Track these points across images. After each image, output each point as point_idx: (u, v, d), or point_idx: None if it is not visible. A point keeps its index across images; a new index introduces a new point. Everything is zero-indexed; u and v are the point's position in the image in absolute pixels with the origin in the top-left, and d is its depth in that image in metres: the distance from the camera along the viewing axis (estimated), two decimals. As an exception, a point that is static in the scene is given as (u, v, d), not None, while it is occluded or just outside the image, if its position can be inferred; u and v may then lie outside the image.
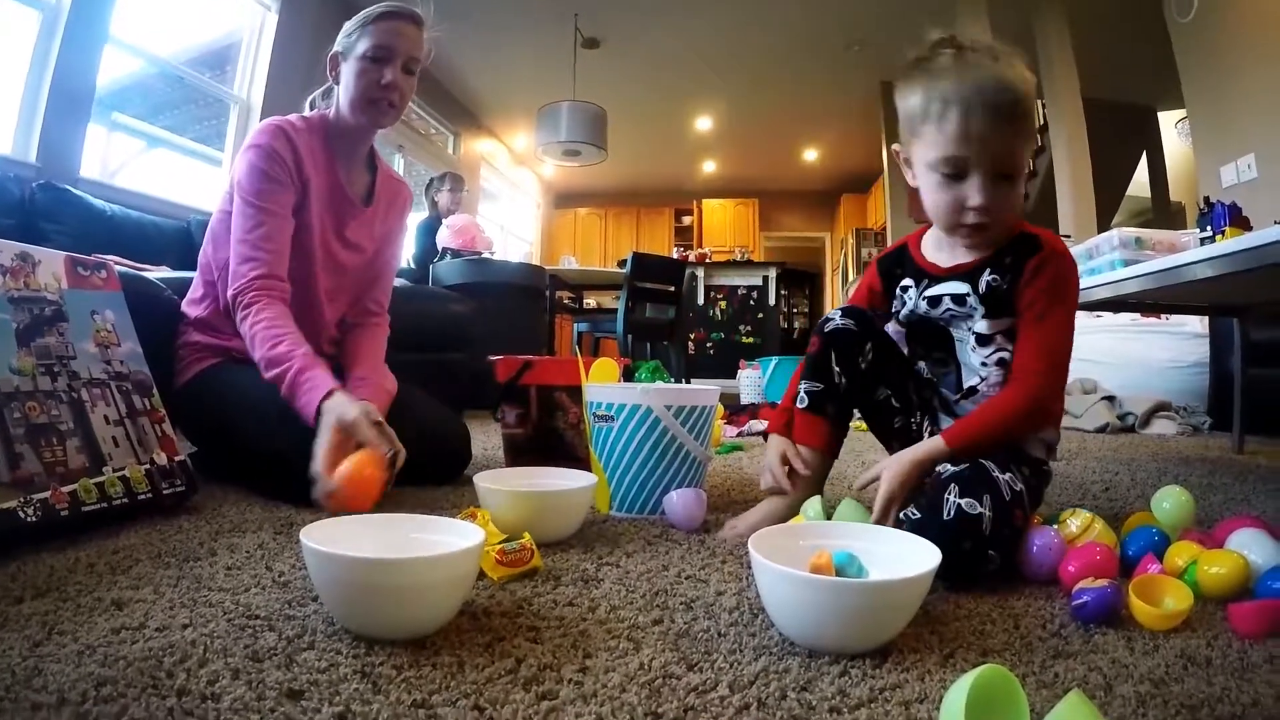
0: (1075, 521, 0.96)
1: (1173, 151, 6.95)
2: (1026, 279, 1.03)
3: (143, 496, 1.09)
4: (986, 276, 1.05)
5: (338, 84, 1.44)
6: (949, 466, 0.99)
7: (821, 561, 0.71)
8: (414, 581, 0.66)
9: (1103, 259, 1.86)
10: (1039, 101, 1.04)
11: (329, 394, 1.18)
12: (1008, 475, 0.94)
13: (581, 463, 1.38)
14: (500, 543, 0.91)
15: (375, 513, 1.16)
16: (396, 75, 1.41)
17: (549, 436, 1.61)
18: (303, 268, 1.44)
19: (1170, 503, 1.07)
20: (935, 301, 1.11)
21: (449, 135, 7.06)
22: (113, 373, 1.14)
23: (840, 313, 1.17)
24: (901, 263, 1.20)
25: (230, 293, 1.33)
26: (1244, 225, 1.53)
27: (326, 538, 0.72)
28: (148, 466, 1.11)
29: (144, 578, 0.82)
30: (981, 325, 1.07)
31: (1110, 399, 3.16)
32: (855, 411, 1.23)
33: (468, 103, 7.15)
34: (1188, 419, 3.09)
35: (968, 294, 1.07)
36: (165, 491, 1.13)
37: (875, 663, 0.65)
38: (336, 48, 1.44)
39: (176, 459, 1.17)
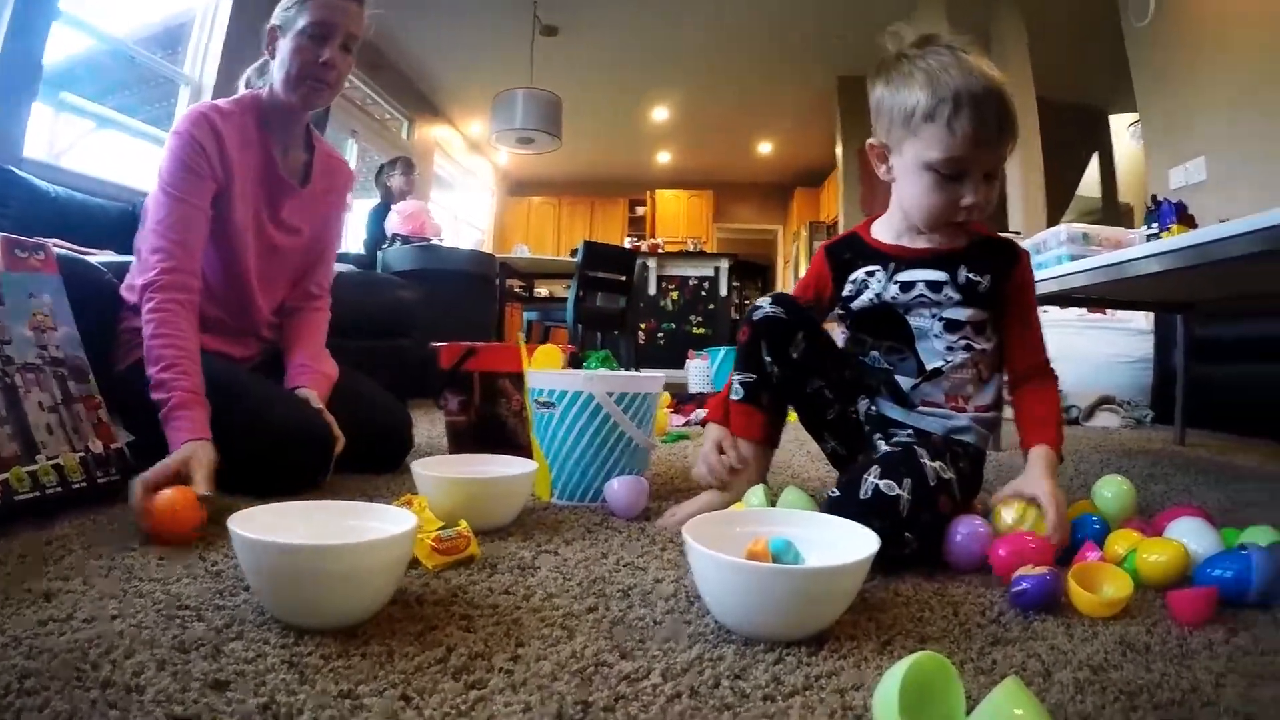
0: (1009, 512, 0.96)
1: (1123, 154, 7.12)
2: (1015, 283, 1.11)
3: (77, 485, 1.05)
4: (965, 272, 1.09)
5: (274, 59, 1.39)
6: (883, 445, 1.06)
7: (757, 548, 0.69)
8: (342, 568, 0.64)
9: (1050, 253, 1.89)
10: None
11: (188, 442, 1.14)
12: (937, 463, 0.96)
13: (524, 450, 1.35)
14: (436, 530, 0.89)
15: (312, 498, 1.14)
16: (334, 53, 1.36)
17: (491, 423, 1.58)
18: (231, 256, 1.39)
19: (1111, 492, 1.08)
20: (908, 286, 1.12)
21: (403, 120, 6.90)
22: (48, 358, 1.09)
23: (770, 300, 1.15)
24: (855, 249, 1.19)
25: (140, 282, 1.29)
26: (1189, 223, 1.56)
27: (256, 525, 0.70)
28: (83, 455, 1.08)
29: (75, 568, 0.80)
30: (956, 313, 1.10)
31: (1056, 393, 3.21)
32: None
33: (423, 88, 7.00)
34: (1131, 412, 3.16)
35: (945, 282, 1.10)
36: (100, 480, 1.09)
37: (811, 650, 0.63)
38: (275, 21, 1.37)
39: (113, 447, 1.14)
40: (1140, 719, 0.55)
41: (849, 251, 1.20)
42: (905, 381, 1.13)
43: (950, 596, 0.80)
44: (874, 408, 1.16)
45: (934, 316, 1.11)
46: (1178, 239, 1.38)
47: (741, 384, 1.16)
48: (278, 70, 1.38)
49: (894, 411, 1.13)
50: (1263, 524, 0.96)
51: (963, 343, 1.10)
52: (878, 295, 1.14)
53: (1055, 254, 1.82)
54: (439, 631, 0.65)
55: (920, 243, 1.13)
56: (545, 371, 1.33)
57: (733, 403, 1.19)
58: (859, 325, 1.18)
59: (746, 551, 0.69)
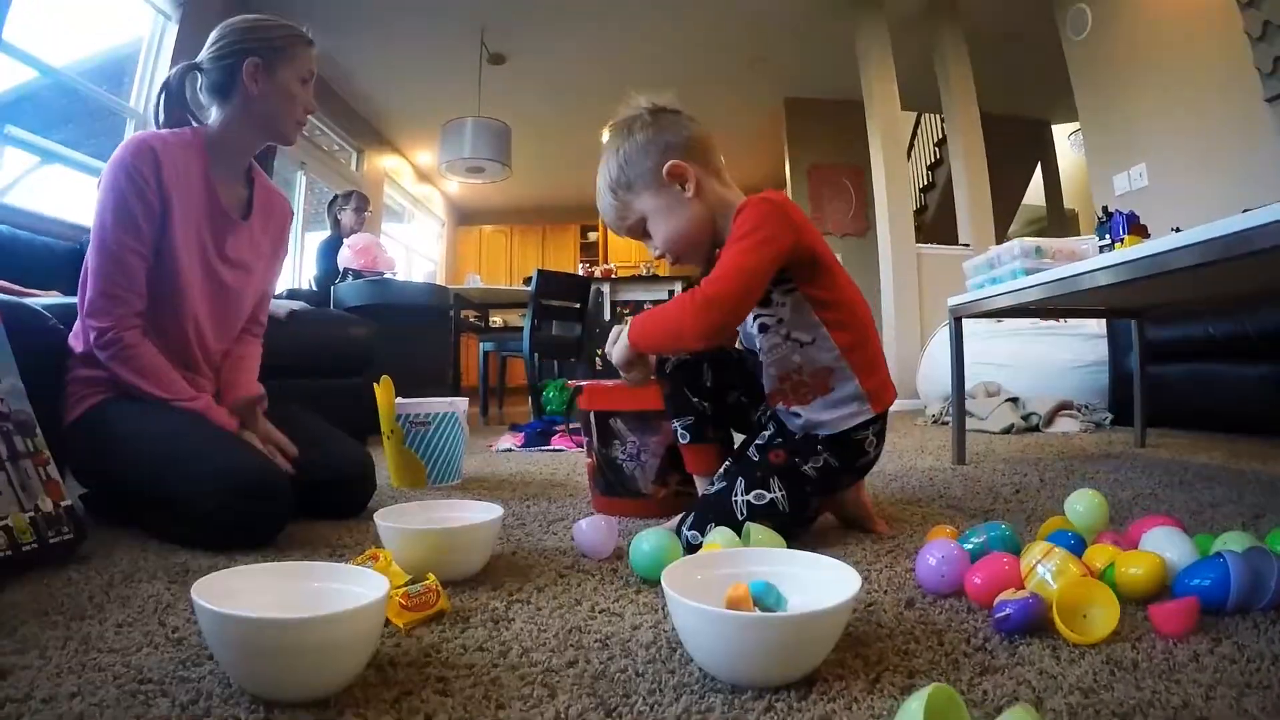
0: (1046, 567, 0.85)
1: (1066, 162, 7.36)
2: (732, 231, 1.09)
3: (28, 548, 1.00)
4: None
5: (253, 94, 1.35)
6: (711, 486, 1.15)
7: (738, 594, 0.67)
8: (318, 641, 0.61)
9: (1004, 268, 1.92)
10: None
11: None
12: (752, 493, 1.08)
13: (647, 499, 1.45)
14: (404, 585, 0.85)
15: (272, 554, 1.13)
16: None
17: (609, 467, 1.49)
18: (178, 295, 1.35)
19: (1083, 505, 1.08)
20: None
21: (352, 152, 6.84)
22: None
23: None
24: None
25: (90, 342, 1.28)
26: (1142, 233, 1.59)
27: (221, 591, 0.67)
28: (32, 514, 1.03)
29: (29, 640, 0.76)
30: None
31: (1014, 400, 3.27)
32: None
33: (371, 118, 6.96)
34: (1089, 416, 3.22)
35: None
36: (52, 541, 1.04)
37: (800, 694, 0.61)
38: (257, 58, 1.34)
39: (63, 504, 1.09)
40: None
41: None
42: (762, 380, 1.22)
43: (932, 624, 0.79)
44: (766, 410, 1.24)
45: (748, 331, 1.20)
46: (1131, 250, 1.41)
47: (685, 428, 1.25)
48: (260, 107, 1.36)
49: (785, 418, 1.20)
50: (1234, 527, 0.97)
51: (756, 324, 1.17)
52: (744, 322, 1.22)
53: (1010, 268, 1.85)
54: (415, 697, 0.62)
55: None
56: (418, 400, 1.83)
57: (683, 446, 1.27)
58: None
59: (727, 598, 0.67)
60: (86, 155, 3.88)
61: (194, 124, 1.42)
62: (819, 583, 0.72)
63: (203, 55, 1.37)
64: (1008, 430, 3.07)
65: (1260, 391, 2.49)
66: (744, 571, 0.75)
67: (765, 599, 0.69)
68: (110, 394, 1.32)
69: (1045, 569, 0.82)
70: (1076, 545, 0.98)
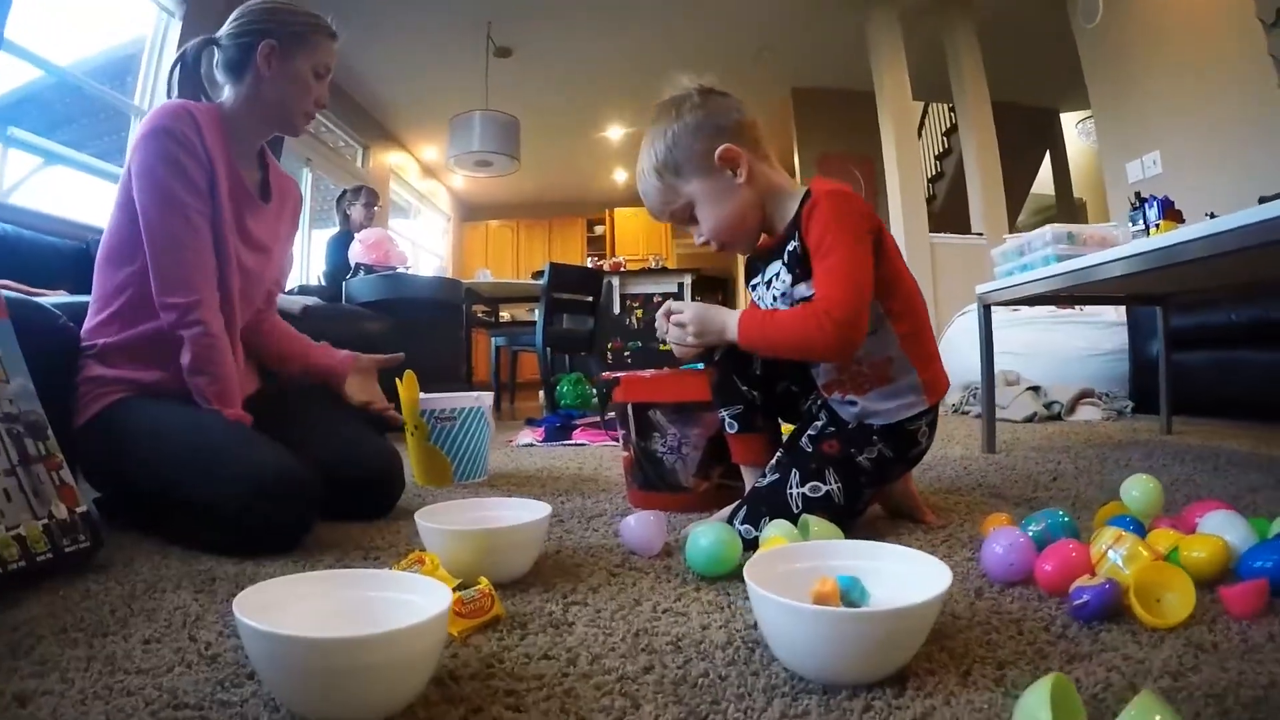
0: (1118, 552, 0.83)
1: (1074, 150, 7.32)
2: (805, 229, 1.06)
3: (42, 558, 0.94)
4: (789, 246, 1.10)
5: (264, 76, 1.32)
6: (765, 477, 1.12)
7: (827, 589, 0.66)
8: (382, 660, 0.56)
9: (1036, 255, 1.90)
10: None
11: None
12: (808, 485, 1.07)
13: (685, 491, 1.42)
14: (455, 591, 0.80)
15: (305, 559, 1.08)
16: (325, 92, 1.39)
17: (648, 460, 1.45)
18: (222, 268, 1.32)
19: (1139, 490, 1.07)
20: (770, 283, 1.16)
21: (358, 148, 6.81)
22: (1, 414, 0.99)
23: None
24: (752, 263, 1.25)
25: (176, 303, 1.24)
26: (1176, 218, 1.58)
27: (263, 603, 0.62)
28: (46, 522, 0.96)
29: (49, 661, 0.70)
30: (801, 290, 1.10)
31: (1035, 389, 3.25)
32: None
33: (377, 114, 6.95)
34: (1111, 404, 3.20)
35: (780, 268, 1.13)
36: (68, 550, 0.98)
37: (895, 692, 0.60)
38: (275, 40, 1.31)
39: (78, 510, 1.02)
40: (1239, 719, 0.54)
41: (750, 265, 1.26)
42: (814, 373, 1.20)
43: (1008, 614, 0.78)
44: (818, 400, 1.23)
45: (791, 304, 1.12)
46: (1174, 234, 1.39)
47: (733, 417, 1.22)
48: (267, 90, 1.33)
49: (838, 409, 1.18)
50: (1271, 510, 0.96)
51: None
52: (764, 303, 1.19)
53: (1042, 254, 1.84)
54: (485, 715, 0.58)
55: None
56: (443, 395, 1.82)
57: (730, 436, 1.24)
58: None
59: (814, 593, 0.66)
60: (90, 156, 3.87)
61: (205, 100, 1.39)
62: (903, 575, 0.71)
63: (222, 31, 1.35)
64: (1030, 419, 3.06)
65: (1286, 376, 2.48)
66: (825, 565, 0.74)
67: (850, 594, 0.68)
68: (127, 393, 1.27)
69: (1116, 554, 0.81)
70: (1136, 530, 0.97)
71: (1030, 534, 0.96)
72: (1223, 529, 0.91)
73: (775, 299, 1.15)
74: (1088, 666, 0.64)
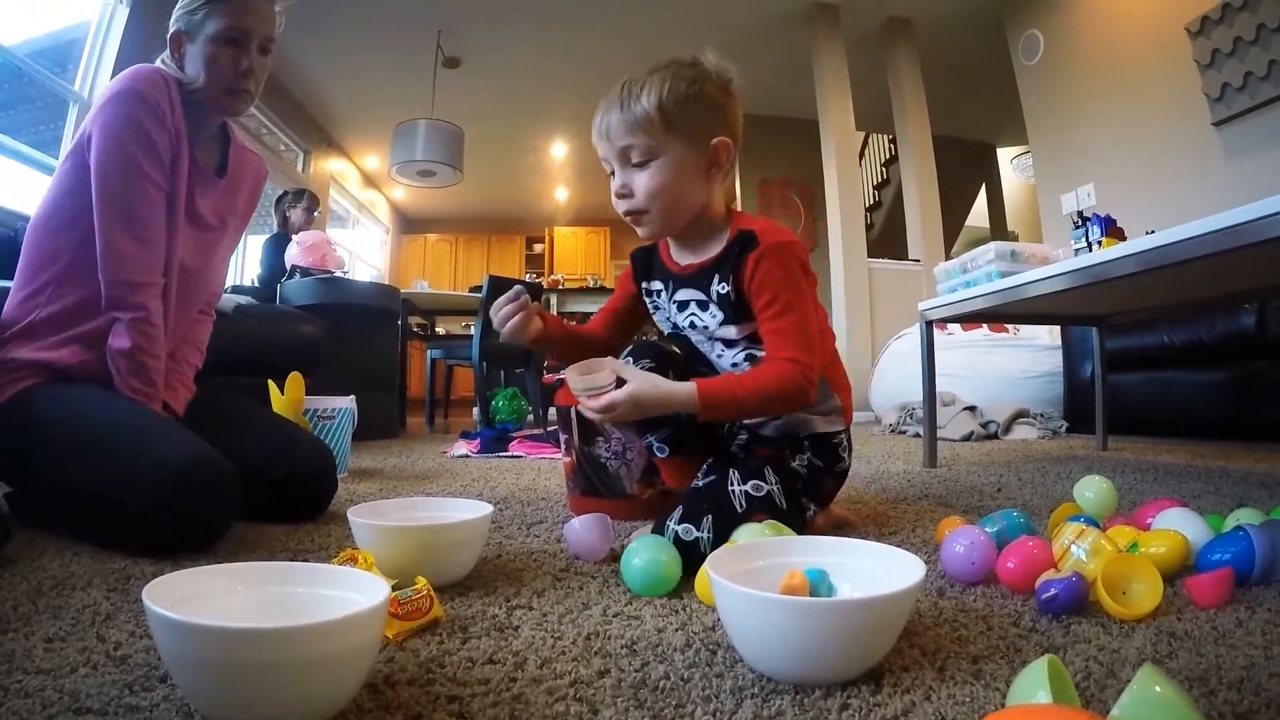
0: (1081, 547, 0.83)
1: (1009, 185, 7.62)
2: (748, 276, 1.02)
3: None
4: (717, 284, 1.06)
5: (182, 67, 1.26)
6: (699, 480, 1.05)
7: (795, 582, 0.62)
8: (312, 656, 0.49)
9: (979, 272, 1.93)
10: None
11: None
12: (749, 483, 1.01)
13: (630, 500, 1.38)
14: (392, 591, 0.74)
15: (225, 558, 1.00)
16: (253, 59, 1.26)
17: (591, 466, 1.40)
18: (169, 250, 1.24)
19: (1093, 491, 1.08)
20: (683, 306, 1.12)
21: (299, 153, 6.62)
22: None
23: (630, 359, 1.11)
24: (649, 263, 1.19)
25: (123, 280, 1.16)
26: (1119, 235, 1.62)
27: (178, 596, 0.55)
28: None
29: None
30: (726, 332, 1.08)
31: (972, 408, 3.31)
32: None
33: (321, 120, 6.79)
34: (1046, 424, 3.28)
35: (706, 301, 1.08)
36: None
37: (871, 689, 0.56)
38: (178, 25, 1.25)
39: None
40: (1226, 699, 0.54)
41: (643, 261, 1.21)
42: None
43: (974, 610, 0.76)
44: (740, 432, 1.18)
45: (710, 339, 1.11)
46: (1106, 251, 1.42)
47: (660, 441, 1.14)
48: (191, 73, 1.26)
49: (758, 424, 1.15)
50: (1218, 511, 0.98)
51: (744, 354, 1.10)
52: (670, 321, 1.15)
53: (985, 271, 1.86)
54: None
55: (686, 257, 1.12)
56: (324, 396, 1.91)
57: (659, 460, 1.19)
58: (675, 341, 1.20)
59: (783, 586, 0.62)
60: (25, 144, 3.65)
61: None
62: (869, 570, 0.68)
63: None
64: (967, 437, 3.11)
65: (1217, 395, 2.57)
66: (791, 561, 0.70)
67: (819, 588, 0.64)
68: (40, 378, 1.19)
69: (1080, 549, 0.81)
70: (1094, 529, 0.97)
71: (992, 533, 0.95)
72: (1179, 525, 0.92)
73: (690, 327, 1.13)
74: (1065, 657, 0.63)
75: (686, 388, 0.96)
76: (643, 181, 1.02)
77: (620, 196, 1.05)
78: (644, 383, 0.96)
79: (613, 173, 1.06)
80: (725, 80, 1.06)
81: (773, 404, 1.01)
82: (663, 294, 1.15)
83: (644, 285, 1.20)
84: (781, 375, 0.98)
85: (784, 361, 0.99)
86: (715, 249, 1.07)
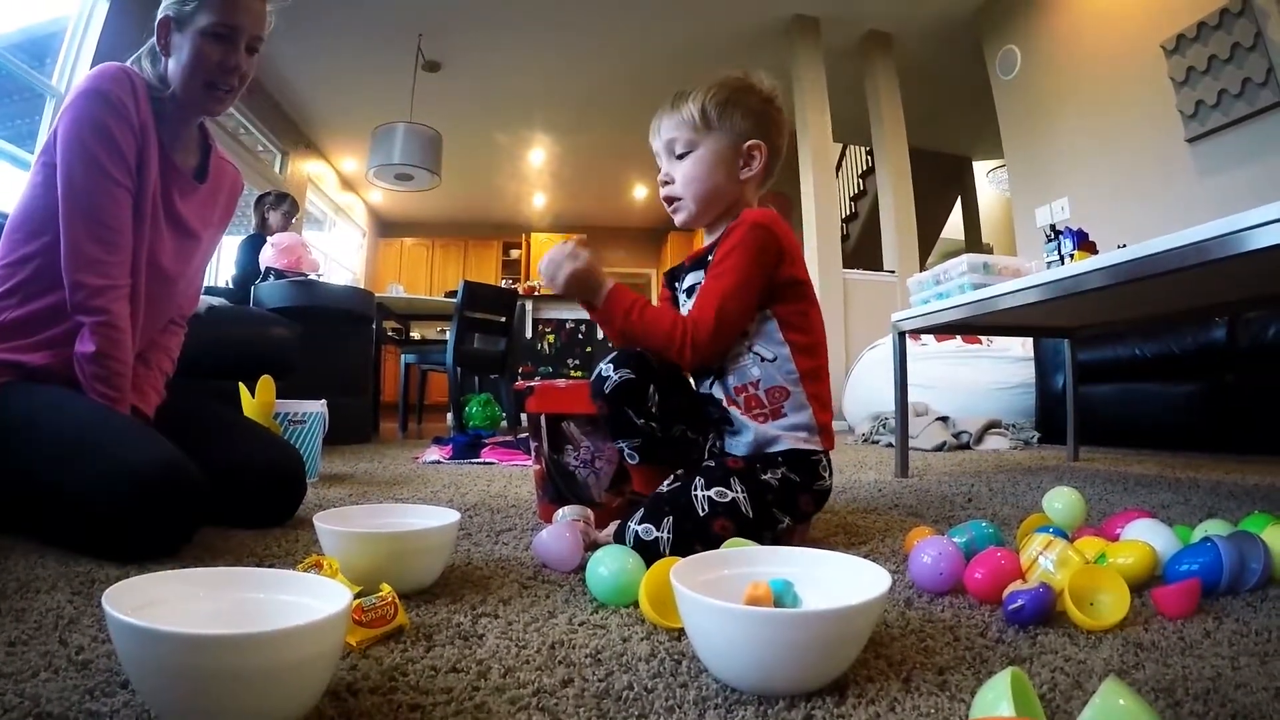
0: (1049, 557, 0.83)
1: (985, 198, 7.72)
2: (721, 246, 1.11)
3: None
4: (710, 256, 1.14)
5: (167, 56, 1.24)
6: (664, 488, 1.05)
7: (759, 593, 0.61)
8: (269, 663, 0.49)
9: (952, 283, 1.94)
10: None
11: None
12: (713, 490, 1.01)
13: (598, 507, 1.32)
14: (356, 598, 0.73)
15: (188, 564, 0.98)
16: (240, 57, 1.25)
17: (561, 474, 1.38)
18: (138, 253, 1.22)
19: (1062, 503, 1.08)
20: (691, 292, 1.16)
21: (277, 154, 6.57)
22: None
23: (613, 366, 1.09)
24: (677, 269, 1.26)
25: (87, 283, 1.15)
26: (1091, 249, 1.64)
27: (139, 601, 0.55)
28: None
29: None
30: None
31: (944, 419, 3.34)
32: None
33: (299, 121, 6.73)
34: (1018, 435, 3.31)
35: (701, 278, 1.13)
36: None
37: (835, 700, 0.55)
38: (168, 12, 1.23)
39: None
40: (1192, 709, 0.55)
41: (674, 274, 1.27)
42: (721, 398, 1.14)
43: (941, 621, 0.76)
44: (717, 443, 1.17)
45: None
46: (1077, 265, 1.44)
47: (633, 449, 1.15)
48: (173, 66, 1.24)
49: (731, 443, 1.14)
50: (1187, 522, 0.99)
51: (748, 349, 1.12)
52: (684, 308, 1.18)
53: (958, 283, 1.88)
54: None
55: (699, 243, 1.23)
56: (294, 400, 1.87)
57: (632, 467, 1.20)
58: None
59: (747, 597, 0.61)
60: (0, 139, 3.58)
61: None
62: (835, 581, 0.67)
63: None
64: (939, 448, 3.13)
65: (1187, 407, 2.61)
66: (756, 571, 0.69)
67: (784, 598, 0.64)
68: (9, 378, 1.17)
69: (1047, 560, 0.81)
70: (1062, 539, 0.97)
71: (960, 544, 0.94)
72: (1147, 536, 0.92)
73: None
74: (1031, 668, 0.63)
75: (608, 287, 1.09)
76: (681, 170, 1.16)
77: (663, 184, 1.18)
78: (591, 268, 1.09)
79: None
80: (770, 95, 1.18)
81: (649, 344, 1.08)
82: (679, 288, 1.22)
83: (674, 286, 1.27)
84: (670, 326, 1.06)
85: (682, 317, 1.07)
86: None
